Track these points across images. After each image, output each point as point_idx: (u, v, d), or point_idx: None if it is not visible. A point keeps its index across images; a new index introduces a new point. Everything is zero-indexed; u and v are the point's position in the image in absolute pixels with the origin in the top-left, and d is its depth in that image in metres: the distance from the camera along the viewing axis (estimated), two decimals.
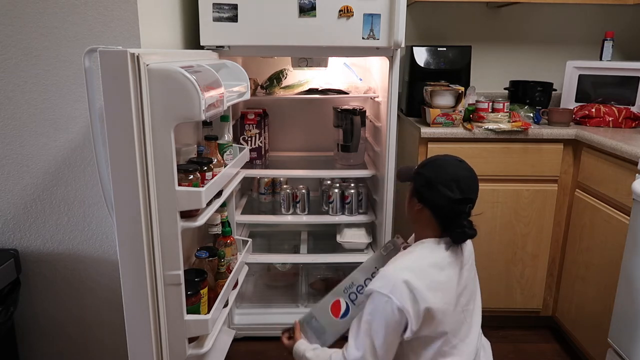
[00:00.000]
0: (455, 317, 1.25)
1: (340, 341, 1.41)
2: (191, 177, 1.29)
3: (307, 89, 2.26)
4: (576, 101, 2.29)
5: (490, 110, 2.11)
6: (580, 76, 2.28)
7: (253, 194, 2.42)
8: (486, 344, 1.44)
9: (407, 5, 1.78)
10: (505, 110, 2.11)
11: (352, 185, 2.19)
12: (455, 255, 1.26)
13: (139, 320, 1.22)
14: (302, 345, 1.41)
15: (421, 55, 2.21)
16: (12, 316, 1.48)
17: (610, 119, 2.09)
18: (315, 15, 1.75)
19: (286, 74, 2.27)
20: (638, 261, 1.46)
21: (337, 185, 2.20)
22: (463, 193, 1.23)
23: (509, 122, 2.05)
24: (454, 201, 1.22)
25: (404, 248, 1.42)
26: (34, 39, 1.39)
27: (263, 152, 2.23)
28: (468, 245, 1.33)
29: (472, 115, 2.14)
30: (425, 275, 1.21)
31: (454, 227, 1.24)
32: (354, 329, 1.26)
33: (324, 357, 1.33)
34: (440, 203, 1.24)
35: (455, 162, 1.28)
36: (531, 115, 2.20)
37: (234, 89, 1.53)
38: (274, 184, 2.37)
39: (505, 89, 2.45)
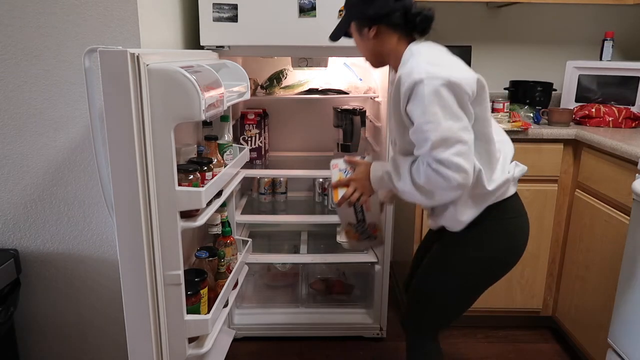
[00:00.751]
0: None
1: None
2: (191, 177, 1.28)
3: (307, 89, 2.26)
4: (576, 101, 2.29)
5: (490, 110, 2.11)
6: (580, 76, 2.28)
7: (253, 194, 2.42)
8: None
9: None
10: (505, 110, 2.11)
11: None
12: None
13: (139, 320, 1.22)
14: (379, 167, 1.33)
15: None
16: (12, 316, 1.48)
17: (610, 119, 2.09)
18: (315, 15, 1.75)
19: (286, 74, 2.27)
20: (638, 261, 1.46)
21: None
22: None
23: (509, 122, 2.05)
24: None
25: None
26: (34, 39, 1.39)
27: (263, 152, 2.23)
28: None
29: None
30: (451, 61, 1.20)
31: (414, 19, 1.23)
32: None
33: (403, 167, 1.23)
34: (387, 6, 1.23)
35: None
36: (531, 115, 2.20)
37: (234, 89, 1.53)
38: (274, 184, 2.37)
39: (505, 89, 2.45)
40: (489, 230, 1.30)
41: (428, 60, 1.17)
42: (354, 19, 1.31)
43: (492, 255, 1.34)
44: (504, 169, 1.28)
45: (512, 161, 1.33)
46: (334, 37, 1.39)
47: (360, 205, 1.43)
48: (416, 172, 1.19)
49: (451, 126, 1.11)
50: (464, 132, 1.13)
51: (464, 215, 1.26)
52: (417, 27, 1.24)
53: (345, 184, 1.39)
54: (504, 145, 1.32)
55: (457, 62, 1.21)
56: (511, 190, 1.31)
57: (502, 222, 1.31)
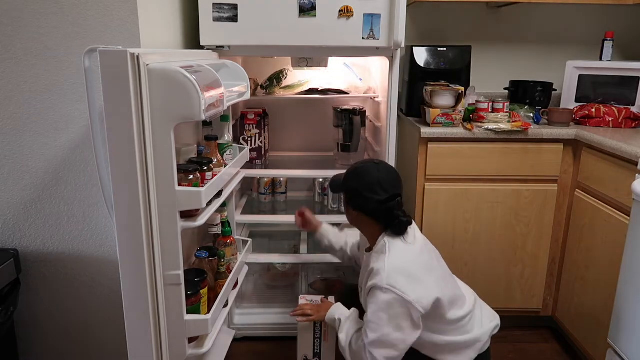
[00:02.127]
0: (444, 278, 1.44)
1: None
2: (191, 177, 1.28)
3: (307, 89, 2.26)
4: (576, 101, 2.29)
5: (490, 110, 2.11)
6: (580, 76, 2.28)
7: (253, 194, 2.42)
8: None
9: (407, 5, 1.78)
10: (505, 110, 2.11)
11: None
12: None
13: (139, 320, 1.22)
14: (339, 310, 1.54)
15: (421, 55, 2.21)
16: (12, 316, 1.48)
17: (610, 119, 2.09)
18: (315, 15, 1.75)
19: (286, 74, 2.27)
20: (638, 261, 1.46)
21: None
22: (387, 192, 1.40)
23: (509, 122, 2.05)
24: (382, 202, 1.39)
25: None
26: (34, 39, 1.39)
27: (263, 152, 2.23)
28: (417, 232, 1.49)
29: (472, 115, 2.14)
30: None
31: (390, 222, 1.40)
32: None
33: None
34: (371, 207, 1.41)
35: (374, 166, 1.44)
36: (531, 115, 2.20)
37: (234, 89, 1.53)
38: (274, 184, 2.37)
39: (505, 89, 2.45)
40: None
41: (396, 267, 1.34)
42: (345, 195, 1.51)
43: None
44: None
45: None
46: (332, 190, 1.60)
47: (321, 331, 1.66)
48: (355, 340, 1.41)
49: (390, 333, 1.32)
50: (399, 342, 1.33)
51: None
52: (392, 229, 1.41)
53: (308, 307, 1.63)
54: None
55: (423, 275, 1.37)
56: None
57: None
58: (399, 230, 1.40)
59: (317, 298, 1.72)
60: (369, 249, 1.51)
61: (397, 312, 1.31)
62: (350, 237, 1.79)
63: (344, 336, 1.45)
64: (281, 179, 2.36)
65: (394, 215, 1.39)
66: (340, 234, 1.82)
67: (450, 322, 1.42)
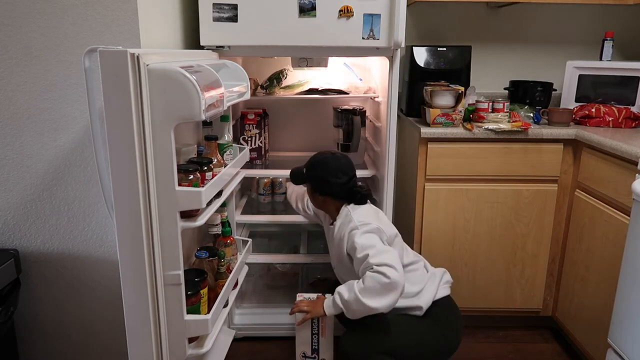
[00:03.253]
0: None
1: None
2: (191, 177, 1.28)
3: (307, 89, 2.26)
4: (576, 101, 2.29)
5: (490, 110, 2.11)
6: (580, 76, 2.28)
7: (252, 194, 2.42)
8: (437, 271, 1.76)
9: (407, 5, 1.78)
10: (505, 110, 2.11)
11: None
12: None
13: (139, 320, 1.22)
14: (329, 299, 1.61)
15: (421, 55, 2.21)
16: (12, 316, 1.48)
17: (610, 119, 2.09)
18: (315, 15, 1.75)
19: (286, 74, 2.27)
20: (638, 261, 1.45)
21: None
22: (347, 175, 1.66)
23: (509, 122, 2.05)
24: (345, 183, 1.66)
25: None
26: (34, 39, 1.39)
27: (263, 152, 2.23)
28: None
29: (472, 115, 2.13)
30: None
31: (353, 196, 1.67)
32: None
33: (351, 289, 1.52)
34: (337, 190, 1.66)
35: (331, 156, 1.69)
36: (531, 115, 2.20)
37: (234, 89, 1.53)
38: (273, 184, 2.37)
39: (505, 89, 2.45)
40: None
41: (361, 215, 1.62)
42: (311, 184, 1.72)
43: None
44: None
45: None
46: (294, 182, 1.78)
47: (318, 327, 1.72)
48: (359, 282, 1.50)
49: (381, 245, 1.54)
50: (390, 250, 1.54)
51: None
52: (356, 201, 1.67)
53: (304, 303, 1.68)
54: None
55: (382, 220, 1.70)
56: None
57: None
58: (362, 200, 1.67)
59: (314, 295, 1.72)
60: (332, 223, 1.71)
61: (374, 237, 1.55)
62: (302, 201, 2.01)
63: (352, 290, 1.49)
64: (280, 179, 2.36)
65: (354, 192, 1.66)
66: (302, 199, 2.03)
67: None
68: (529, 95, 2.34)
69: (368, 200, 1.71)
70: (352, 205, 1.67)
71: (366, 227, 1.57)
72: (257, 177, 2.33)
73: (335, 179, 1.65)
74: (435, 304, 1.63)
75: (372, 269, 1.46)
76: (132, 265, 1.19)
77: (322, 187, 1.68)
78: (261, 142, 2.19)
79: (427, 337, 1.59)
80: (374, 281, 1.44)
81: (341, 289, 1.55)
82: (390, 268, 1.45)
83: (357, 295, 1.46)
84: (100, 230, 1.53)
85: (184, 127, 1.51)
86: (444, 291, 1.67)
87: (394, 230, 1.69)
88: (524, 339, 2.20)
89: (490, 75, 2.55)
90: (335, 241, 1.68)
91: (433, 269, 1.73)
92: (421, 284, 1.64)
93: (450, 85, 2.10)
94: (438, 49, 2.22)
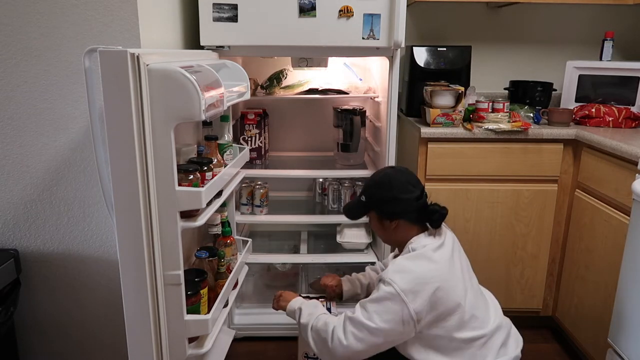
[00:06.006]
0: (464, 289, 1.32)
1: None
2: (191, 177, 1.28)
3: (307, 89, 2.26)
4: (576, 101, 2.29)
5: (490, 110, 2.11)
6: (580, 76, 2.28)
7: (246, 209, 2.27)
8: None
9: (407, 5, 1.78)
10: (505, 110, 2.11)
11: (351, 184, 2.20)
12: (440, 236, 1.38)
13: (139, 320, 1.22)
14: (297, 301, 1.51)
15: (421, 55, 2.21)
16: (12, 316, 1.48)
17: (610, 119, 2.09)
18: (315, 15, 1.75)
19: (286, 74, 2.27)
20: (638, 261, 1.46)
21: (336, 185, 2.20)
22: (417, 187, 1.39)
23: (509, 122, 2.05)
24: (417, 197, 1.37)
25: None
26: (34, 39, 1.39)
27: (263, 152, 2.23)
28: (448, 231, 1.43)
29: (472, 115, 2.14)
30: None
31: (429, 216, 1.37)
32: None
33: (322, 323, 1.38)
34: (410, 207, 1.37)
35: (392, 170, 1.45)
36: (531, 115, 2.20)
37: (234, 89, 1.53)
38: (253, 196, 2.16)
39: (505, 89, 2.45)
40: None
41: (405, 267, 1.29)
42: (376, 211, 1.42)
43: None
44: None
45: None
46: (353, 217, 1.49)
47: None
48: (324, 320, 1.37)
49: (375, 321, 1.27)
50: (377, 332, 1.26)
51: None
52: (431, 222, 1.38)
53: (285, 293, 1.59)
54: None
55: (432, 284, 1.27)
56: None
57: None
58: (439, 220, 1.36)
59: (315, 297, 1.71)
60: (395, 256, 1.46)
61: (389, 307, 1.25)
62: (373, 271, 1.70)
63: (307, 317, 1.40)
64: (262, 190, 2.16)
65: (431, 210, 1.36)
66: (365, 274, 1.72)
67: (457, 341, 1.29)
68: (529, 95, 2.34)
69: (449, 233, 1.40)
70: (418, 243, 1.35)
71: (391, 288, 1.25)
72: (252, 185, 2.15)
73: (407, 195, 1.36)
74: None
75: (338, 327, 1.31)
76: (132, 265, 1.19)
77: (393, 208, 1.37)
78: (261, 142, 2.19)
79: None
80: (327, 336, 1.32)
81: (307, 308, 1.44)
82: (346, 346, 1.28)
83: (309, 328, 1.38)
84: (100, 230, 1.53)
85: (184, 127, 1.51)
86: None
87: (464, 288, 1.30)
88: (524, 339, 2.20)
89: (490, 75, 2.55)
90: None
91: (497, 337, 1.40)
92: None
93: (450, 85, 2.10)
94: (438, 49, 2.22)
